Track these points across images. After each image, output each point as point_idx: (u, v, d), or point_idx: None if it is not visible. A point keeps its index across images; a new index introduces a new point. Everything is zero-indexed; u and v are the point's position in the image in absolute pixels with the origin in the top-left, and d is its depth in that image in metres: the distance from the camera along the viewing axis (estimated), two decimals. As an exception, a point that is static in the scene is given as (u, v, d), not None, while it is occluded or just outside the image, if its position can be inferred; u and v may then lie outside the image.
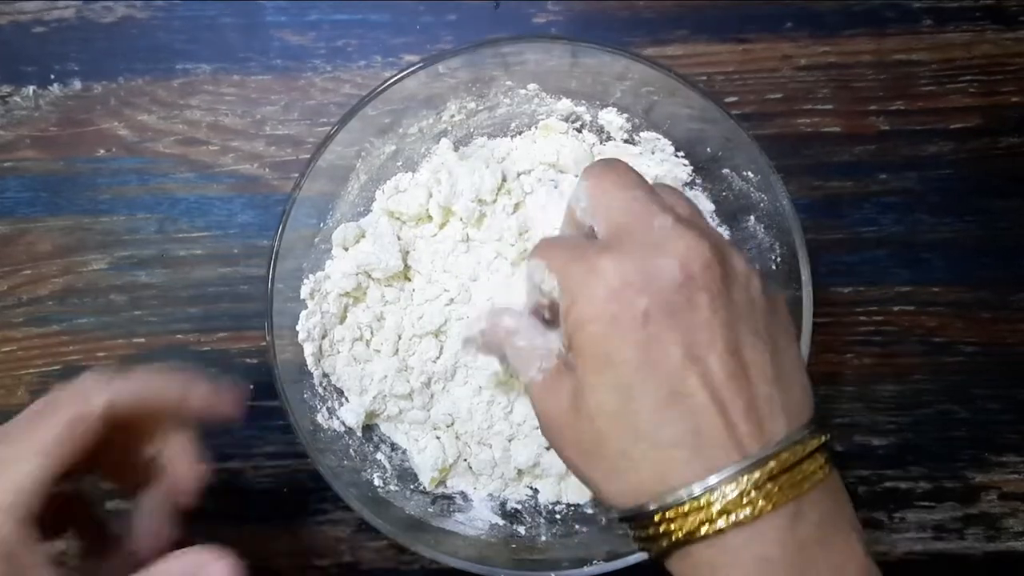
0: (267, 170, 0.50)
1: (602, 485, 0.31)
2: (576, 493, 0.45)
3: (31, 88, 0.50)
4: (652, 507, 0.29)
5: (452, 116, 0.46)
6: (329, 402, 0.44)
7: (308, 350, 0.43)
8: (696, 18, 0.50)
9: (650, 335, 0.29)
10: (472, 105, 0.46)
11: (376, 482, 0.44)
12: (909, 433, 0.49)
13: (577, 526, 0.45)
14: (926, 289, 0.49)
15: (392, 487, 0.44)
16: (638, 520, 0.30)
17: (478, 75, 0.44)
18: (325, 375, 0.45)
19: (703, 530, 0.28)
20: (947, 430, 0.49)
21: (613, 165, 0.34)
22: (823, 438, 0.30)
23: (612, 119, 0.46)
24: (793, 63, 0.50)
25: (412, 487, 0.45)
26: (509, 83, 0.45)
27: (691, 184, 0.46)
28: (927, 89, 0.50)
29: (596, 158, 0.46)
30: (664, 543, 0.29)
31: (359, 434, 0.45)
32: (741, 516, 0.28)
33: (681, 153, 0.46)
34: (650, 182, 0.34)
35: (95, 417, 0.33)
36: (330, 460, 0.42)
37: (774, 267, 0.43)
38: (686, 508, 0.29)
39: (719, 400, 0.29)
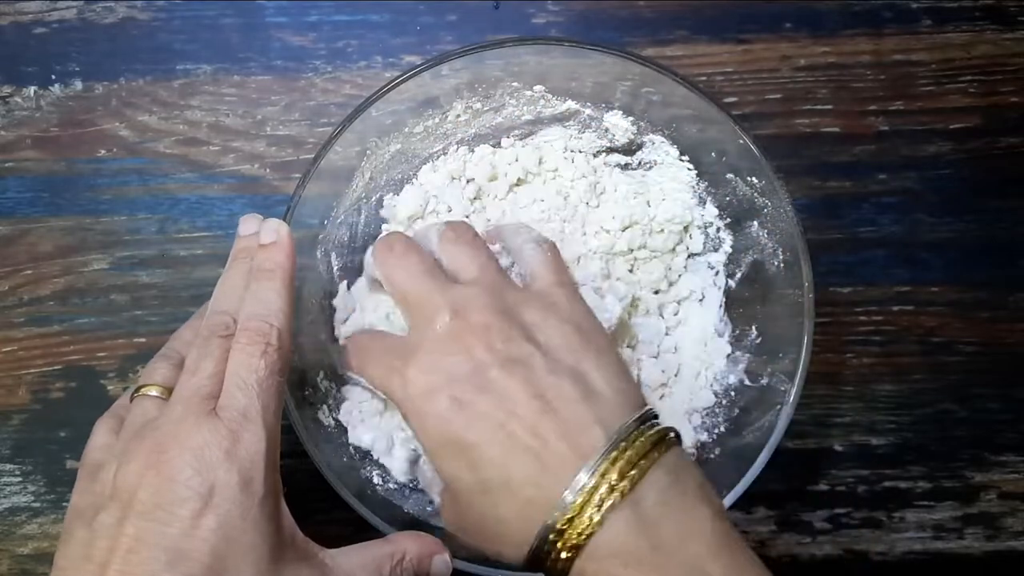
0: (268, 171, 0.50)
1: (505, 552, 0.36)
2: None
3: (32, 88, 0.50)
4: (528, 548, 0.34)
5: (458, 116, 0.46)
6: (329, 400, 0.44)
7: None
8: (696, 18, 0.50)
9: (466, 415, 0.35)
10: (478, 105, 0.46)
11: (375, 480, 0.44)
12: (908, 433, 0.49)
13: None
14: (925, 289, 0.50)
15: (391, 485, 0.44)
16: (536, 563, 0.34)
17: (482, 76, 0.45)
18: (326, 376, 0.45)
19: (566, 551, 0.33)
20: (946, 430, 0.49)
21: (392, 247, 0.40)
22: (643, 428, 0.34)
23: (617, 122, 0.46)
24: (792, 63, 0.50)
25: (411, 486, 0.45)
26: (515, 84, 0.45)
27: (695, 187, 0.46)
28: (926, 89, 0.50)
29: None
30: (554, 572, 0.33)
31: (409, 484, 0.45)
32: (590, 526, 0.32)
33: (686, 158, 0.46)
34: (440, 224, 0.41)
35: None
36: (329, 458, 0.42)
37: (776, 270, 0.44)
38: (551, 537, 0.33)
39: (539, 436, 0.34)
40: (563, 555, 0.33)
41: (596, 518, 0.32)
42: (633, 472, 0.33)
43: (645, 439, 0.34)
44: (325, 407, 0.44)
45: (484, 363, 0.36)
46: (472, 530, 0.37)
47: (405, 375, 0.37)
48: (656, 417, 0.36)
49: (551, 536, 0.33)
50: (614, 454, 0.33)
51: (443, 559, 0.38)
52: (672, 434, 0.35)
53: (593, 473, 0.33)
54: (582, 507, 0.32)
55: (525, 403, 0.35)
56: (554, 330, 0.37)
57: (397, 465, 0.43)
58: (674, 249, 0.47)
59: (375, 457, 0.44)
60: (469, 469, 0.35)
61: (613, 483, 0.32)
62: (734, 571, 0.32)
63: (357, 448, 0.44)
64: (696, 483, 0.34)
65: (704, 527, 0.33)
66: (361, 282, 0.46)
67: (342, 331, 0.45)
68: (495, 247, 0.42)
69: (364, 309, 0.45)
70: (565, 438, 0.34)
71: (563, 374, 0.35)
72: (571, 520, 0.32)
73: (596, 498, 0.32)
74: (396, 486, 0.44)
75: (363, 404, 0.44)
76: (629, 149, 0.47)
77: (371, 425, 0.43)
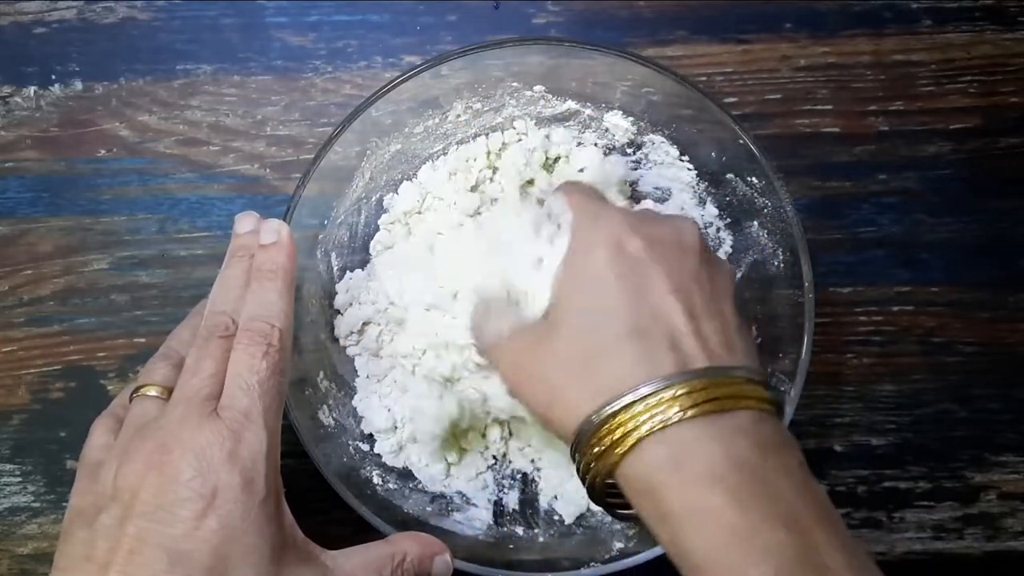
0: (268, 171, 0.50)
1: (566, 394, 0.34)
2: (576, 494, 0.45)
3: (32, 88, 0.50)
4: (614, 407, 0.32)
5: (458, 116, 0.46)
6: (329, 399, 0.44)
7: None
8: (696, 18, 0.50)
9: (639, 270, 0.34)
10: (478, 106, 0.46)
11: (375, 480, 0.44)
12: (908, 433, 0.49)
13: (576, 527, 0.45)
14: (925, 289, 0.50)
15: (391, 485, 0.44)
16: (596, 427, 0.32)
17: (482, 76, 0.45)
18: (326, 376, 0.45)
19: (665, 421, 0.31)
20: (946, 430, 0.49)
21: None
22: (767, 389, 0.33)
23: (617, 122, 0.46)
24: (792, 63, 0.50)
25: (411, 486, 0.45)
26: (515, 84, 0.45)
27: (695, 187, 0.46)
28: (926, 89, 0.50)
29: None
30: (620, 447, 0.31)
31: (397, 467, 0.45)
32: (689, 413, 0.31)
33: (686, 158, 0.46)
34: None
35: None
36: (329, 459, 0.42)
37: (776, 270, 0.44)
38: (647, 404, 0.31)
39: (696, 322, 0.33)
40: (614, 445, 0.31)
41: (685, 414, 0.31)
42: (732, 401, 0.31)
43: (759, 388, 0.32)
44: (325, 407, 0.44)
45: (692, 245, 0.35)
46: (537, 377, 0.35)
47: (606, 207, 0.37)
48: (772, 391, 0.34)
49: (609, 423, 0.32)
50: (733, 377, 0.32)
51: (444, 560, 0.38)
52: (774, 406, 0.33)
53: (672, 386, 0.31)
54: (676, 402, 0.31)
55: (702, 295, 0.34)
56: (731, 290, 0.37)
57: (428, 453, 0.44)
58: None
59: (380, 456, 0.44)
60: (596, 311, 0.34)
61: (684, 404, 0.31)
62: (817, 507, 0.30)
63: (357, 448, 0.45)
64: (794, 450, 0.32)
65: (791, 462, 0.31)
66: (358, 274, 0.46)
67: (341, 325, 0.45)
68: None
69: (362, 303, 0.45)
70: (720, 340, 0.33)
71: (716, 314, 0.34)
72: (661, 404, 0.31)
73: (692, 396, 0.31)
74: (396, 486, 0.44)
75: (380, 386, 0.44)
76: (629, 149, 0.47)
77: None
